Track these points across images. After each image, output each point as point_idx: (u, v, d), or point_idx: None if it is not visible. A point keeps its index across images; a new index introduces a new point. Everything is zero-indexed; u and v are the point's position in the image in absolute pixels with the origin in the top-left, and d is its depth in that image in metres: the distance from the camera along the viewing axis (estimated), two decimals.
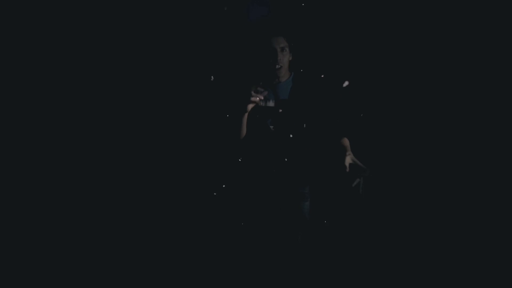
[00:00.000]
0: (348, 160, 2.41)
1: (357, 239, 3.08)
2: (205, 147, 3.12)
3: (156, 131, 3.15)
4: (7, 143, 3.04)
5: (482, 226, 3.02)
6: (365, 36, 3.12)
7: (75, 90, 3.10)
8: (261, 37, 2.53)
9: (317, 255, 2.83)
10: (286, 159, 2.56)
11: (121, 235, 3.11)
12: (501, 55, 3.01)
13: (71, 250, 3.04)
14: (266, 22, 2.86)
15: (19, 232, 3.03)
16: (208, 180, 3.04)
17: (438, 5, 3.04)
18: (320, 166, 2.63)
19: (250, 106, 2.37)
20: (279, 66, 2.51)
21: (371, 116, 3.12)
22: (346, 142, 2.56)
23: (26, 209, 3.06)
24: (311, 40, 3.09)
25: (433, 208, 3.10)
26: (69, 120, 3.10)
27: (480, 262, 2.94)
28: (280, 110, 2.52)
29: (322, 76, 2.61)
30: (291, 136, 2.54)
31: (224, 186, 2.74)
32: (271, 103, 2.45)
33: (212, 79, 2.65)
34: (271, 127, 2.56)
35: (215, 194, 2.80)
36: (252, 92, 2.34)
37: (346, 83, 2.58)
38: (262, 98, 2.36)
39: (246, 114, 2.42)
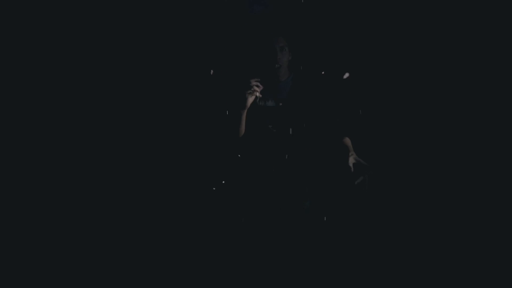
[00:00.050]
0: (352, 160, 2.41)
1: (359, 238, 3.07)
2: (204, 144, 3.11)
3: (154, 128, 3.14)
4: (7, 143, 3.04)
5: (483, 224, 3.01)
6: (365, 34, 3.11)
7: (70, 84, 3.09)
8: (260, 37, 2.53)
9: (317, 255, 2.82)
10: (286, 159, 2.55)
11: (119, 232, 3.10)
12: (501, 54, 3.00)
13: (71, 250, 3.04)
14: (266, 22, 2.86)
15: (19, 232, 3.04)
16: (207, 177, 3.04)
17: (438, 4, 3.03)
18: (320, 165, 2.63)
19: (250, 101, 2.37)
20: (278, 66, 2.50)
21: (371, 115, 3.11)
22: (348, 142, 2.56)
23: (26, 209, 3.06)
24: (311, 38, 3.08)
25: (434, 207, 3.09)
26: (64, 114, 3.10)
27: (480, 261, 2.94)
28: (280, 110, 2.51)
29: (323, 72, 2.60)
30: (290, 132, 2.54)
31: (223, 182, 2.74)
32: (270, 103, 2.45)
33: (212, 73, 2.65)
34: (271, 127, 2.55)
35: (214, 188, 2.80)
36: (252, 81, 2.34)
37: (346, 75, 2.58)
38: (259, 91, 2.36)
39: (245, 111, 2.42)
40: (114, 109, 3.12)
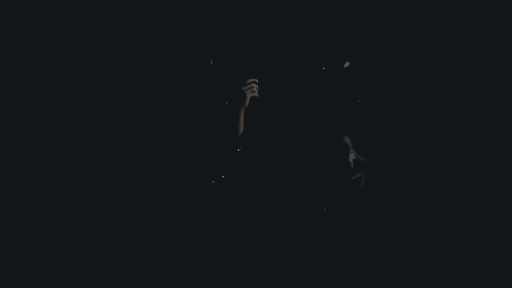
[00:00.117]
0: (352, 156, 2.44)
1: (358, 237, 3.07)
2: (202, 143, 3.11)
3: (152, 126, 3.14)
4: (7, 143, 3.05)
5: (483, 222, 3.01)
6: (365, 33, 3.11)
7: (67, 81, 3.09)
8: (260, 36, 2.54)
9: (316, 255, 2.82)
10: (285, 158, 2.56)
11: (118, 230, 3.10)
12: (501, 53, 3.00)
13: (71, 250, 3.04)
14: (265, 20, 2.86)
15: (19, 232, 3.04)
16: (206, 176, 3.04)
17: (438, 3, 3.03)
18: (321, 165, 2.63)
19: (248, 98, 2.39)
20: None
21: (371, 115, 3.11)
22: (347, 140, 2.57)
23: (26, 209, 3.07)
24: (311, 37, 3.08)
25: (434, 206, 3.09)
26: (61, 114, 3.10)
27: (480, 261, 2.94)
28: (278, 111, 2.53)
29: (324, 68, 2.61)
30: (290, 132, 2.55)
31: (223, 176, 2.74)
32: (269, 103, 2.46)
33: (211, 63, 2.66)
34: (270, 126, 2.56)
35: (213, 182, 2.80)
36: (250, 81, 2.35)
37: (347, 64, 2.59)
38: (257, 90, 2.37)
39: (243, 110, 2.44)
40: (114, 107, 3.12)
